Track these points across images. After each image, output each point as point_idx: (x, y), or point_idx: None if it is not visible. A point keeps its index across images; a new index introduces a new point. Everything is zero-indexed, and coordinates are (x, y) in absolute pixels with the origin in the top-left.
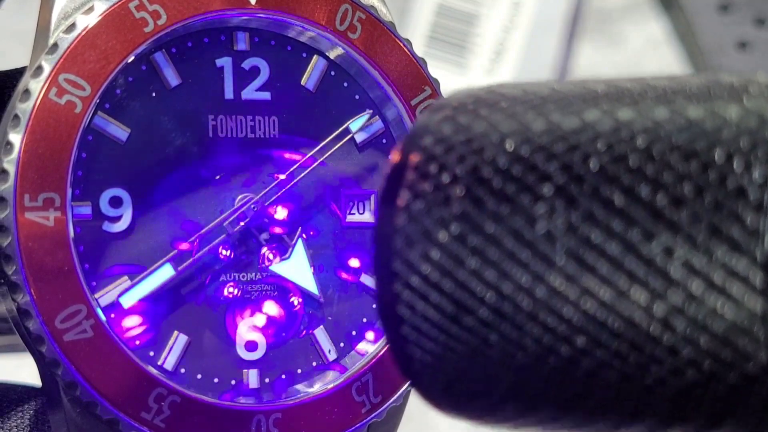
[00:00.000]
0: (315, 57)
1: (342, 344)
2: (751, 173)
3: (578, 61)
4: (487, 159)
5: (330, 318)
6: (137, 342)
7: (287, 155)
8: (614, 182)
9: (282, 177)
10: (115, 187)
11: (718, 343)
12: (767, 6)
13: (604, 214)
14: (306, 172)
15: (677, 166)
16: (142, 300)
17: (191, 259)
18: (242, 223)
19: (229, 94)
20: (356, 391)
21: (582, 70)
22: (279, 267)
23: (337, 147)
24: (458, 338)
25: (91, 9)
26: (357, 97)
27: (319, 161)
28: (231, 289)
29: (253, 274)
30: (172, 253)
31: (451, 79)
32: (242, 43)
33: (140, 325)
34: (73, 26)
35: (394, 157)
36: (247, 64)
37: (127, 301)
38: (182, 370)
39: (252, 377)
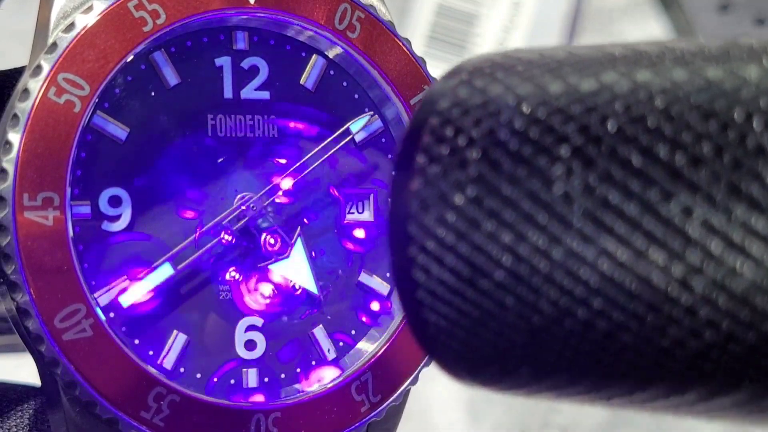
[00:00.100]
0: (314, 56)
1: (341, 343)
2: None
3: None
4: (504, 121)
5: (329, 317)
6: (136, 341)
7: (286, 155)
8: (632, 143)
9: (281, 177)
10: (114, 186)
11: (737, 303)
12: (767, 6)
13: (621, 174)
14: (306, 172)
15: (696, 126)
16: (142, 299)
17: (190, 258)
18: (241, 222)
19: (228, 93)
20: (356, 390)
21: None
22: (278, 266)
23: (337, 148)
24: (474, 302)
25: (90, 8)
26: (356, 96)
27: (318, 162)
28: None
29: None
30: (171, 253)
31: None
32: (241, 43)
33: (140, 324)
34: (72, 26)
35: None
36: (246, 64)
37: (127, 300)
38: (181, 370)
39: (251, 376)
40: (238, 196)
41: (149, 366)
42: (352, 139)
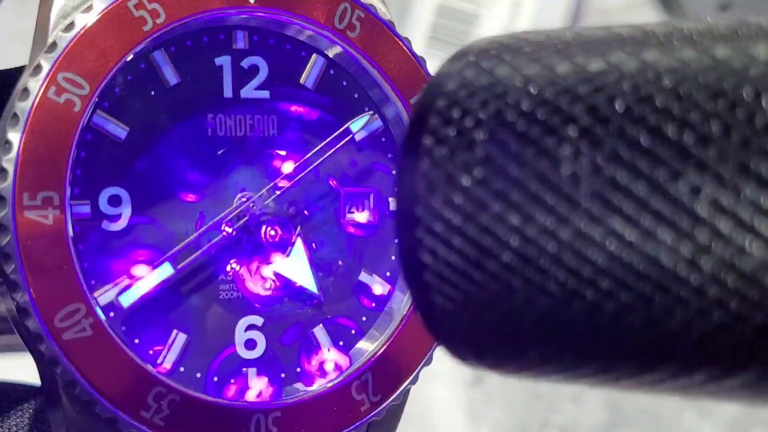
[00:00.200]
0: (314, 56)
1: (341, 343)
2: None
3: None
4: (511, 102)
5: (329, 316)
6: (136, 340)
7: (286, 154)
8: (640, 122)
9: (281, 177)
10: (114, 185)
11: (746, 283)
12: (767, 6)
13: (630, 154)
14: (306, 172)
15: (704, 105)
16: (142, 299)
17: (190, 258)
18: (241, 222)
19: (228, 92)
20: (356, 389)
21: None
22: (278, 266)
23: (337, 147)
24: (481, 284)
25: (90, 8)
26: (356, 95)
27: (318, 161)
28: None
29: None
30: (171, 252)
31: None
32: (241, 42)
33: (140, 323)
34: (72, 25)
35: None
36: (246, 63)
37: (127, 299)
38: (181, 369)
39: (251, 376)
40: (238, 196)
41: (149, 365)
42: (352, 138)
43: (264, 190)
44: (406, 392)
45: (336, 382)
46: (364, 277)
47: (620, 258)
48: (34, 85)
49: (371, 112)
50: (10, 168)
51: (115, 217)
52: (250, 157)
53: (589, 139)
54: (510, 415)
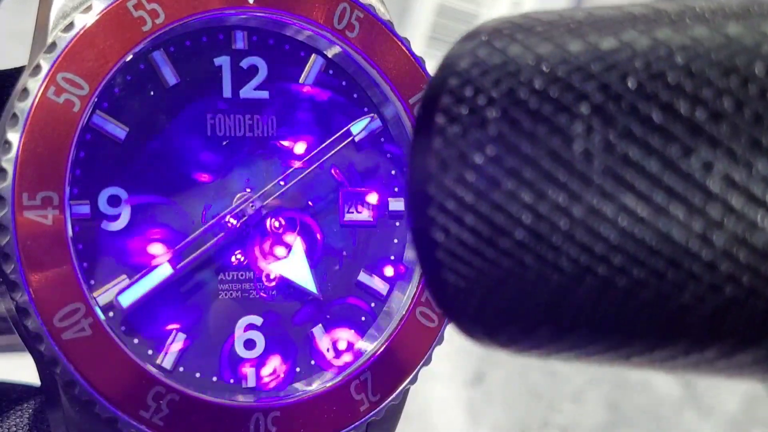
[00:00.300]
0: (313, 56)
1: (341, 342)
2: None
3: None
4: (524, 81)
5: (329, 316)
6: (136, 340)
7: (286, 154)
8: (652, 99)
9: (281, 177)
10: (113, 185)
11: (758, 257)
12: None
13: (642, 131)
14: (305, 173)
15: (717, 82)
16: (141, 298)
17: (190, 258)
18: (241, 221)
19: (227, 92)
20: (355, 389)
21: None
22: (278, 266)
23: (337, 149)
24: (494, 261)
25: (89, 8)
26: (355, 95)
27: (318, 163)
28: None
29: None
30: (170, 252)
31: None
32: (240, 42)
33: (139, 323)
34: (71, 25)
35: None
36: (245, 63)
37: (126, 299)
38: (181, 369)
39: (250, 375)
40: (238, 195)
41: (148, 365)
42: (352, 138)
43: (263, 191)
44: (406, 392)
45: (335, 381)
46: (363, 277)
47: (632, 234)
48: (34, 85)
49: (372, 114)
50: (9, 168)
51: (115, 217)
52: (250, 156)
53: (602, 117)
54: (510, 415)
